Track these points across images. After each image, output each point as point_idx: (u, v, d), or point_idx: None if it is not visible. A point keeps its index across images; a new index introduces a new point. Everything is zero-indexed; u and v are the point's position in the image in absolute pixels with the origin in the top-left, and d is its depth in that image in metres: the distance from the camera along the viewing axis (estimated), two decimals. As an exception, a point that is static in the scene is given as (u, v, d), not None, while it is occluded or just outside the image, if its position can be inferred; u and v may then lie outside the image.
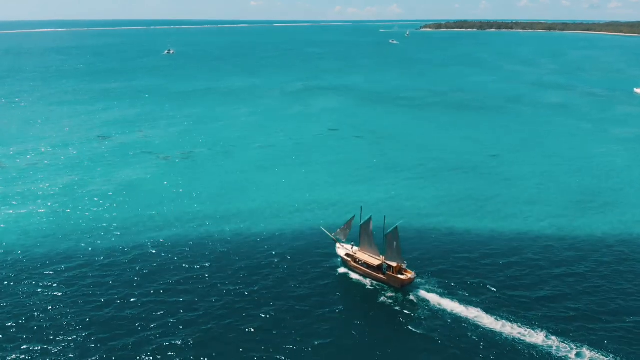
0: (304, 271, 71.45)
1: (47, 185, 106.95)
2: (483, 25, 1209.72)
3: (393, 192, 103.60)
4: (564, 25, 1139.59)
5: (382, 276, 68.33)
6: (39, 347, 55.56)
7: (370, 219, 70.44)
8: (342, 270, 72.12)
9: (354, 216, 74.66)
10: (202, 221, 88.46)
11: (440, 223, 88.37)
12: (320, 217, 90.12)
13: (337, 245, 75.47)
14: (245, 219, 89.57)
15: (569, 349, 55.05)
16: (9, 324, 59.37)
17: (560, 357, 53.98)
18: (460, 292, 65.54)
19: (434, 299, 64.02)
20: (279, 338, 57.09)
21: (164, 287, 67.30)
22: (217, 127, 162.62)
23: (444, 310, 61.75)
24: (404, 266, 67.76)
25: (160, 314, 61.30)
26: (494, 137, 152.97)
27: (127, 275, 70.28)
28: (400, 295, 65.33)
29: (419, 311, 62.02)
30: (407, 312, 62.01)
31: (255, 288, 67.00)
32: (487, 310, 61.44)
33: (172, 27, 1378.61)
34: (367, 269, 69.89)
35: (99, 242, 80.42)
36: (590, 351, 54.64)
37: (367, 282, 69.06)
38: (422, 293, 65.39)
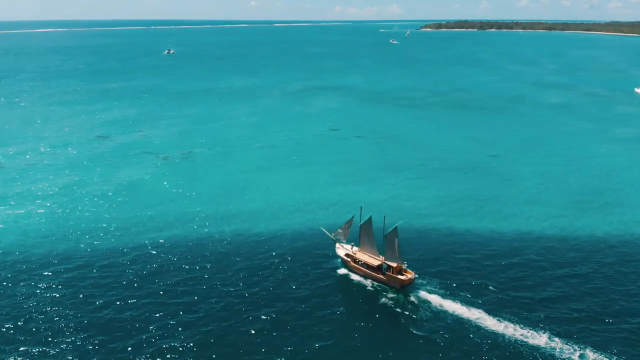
0: (304, 272, 71.04)
1: (47, 185, 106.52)
2: (483, 25, 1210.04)
3: (393, 192, 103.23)
4: (565, 25, 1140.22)
5: (381, 276, 67.89)
6: (37, 349, 55.12)
7: (370, 219, 70.02)
8: (342, 271, 71.67)
9: (353, 216, 74.30)
10: (202, 222, 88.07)
11: (441, 223, 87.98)
12: (320, 217, 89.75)
13: (337, 245, 75.05)
14: (245, 219, 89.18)
15: (572, 350, 54.64)
16: (7, 326, 58.90)
17: (564, 358, 53.58)
18: (462, 293, 65.09)
19: (435, 300, 63.58)
20: (279, 340, 56.68)
21: (163, 288, 66.90)
22: (217, 127, 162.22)
23: (446, 312, 61.32)
24: (404, 266, 67.34)
25: (160, 315, 60.90)
26: (494, 137, 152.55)
27: (126, 276, 69.85)
28: (401, 296, 64.91)
29: (421, 312, 61.59)
30: (408, 313, 61.60)
31: (256, 289, 66.60)
32: (490, 312, 61.00)
33: (172, 27, 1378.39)
34: (367, 269, 69.45)
35: (98, 242, 79.98)
36: (594, 353, 54.23)
37: (368, 283, 68.62)
38: (424, 294, 64.98)
